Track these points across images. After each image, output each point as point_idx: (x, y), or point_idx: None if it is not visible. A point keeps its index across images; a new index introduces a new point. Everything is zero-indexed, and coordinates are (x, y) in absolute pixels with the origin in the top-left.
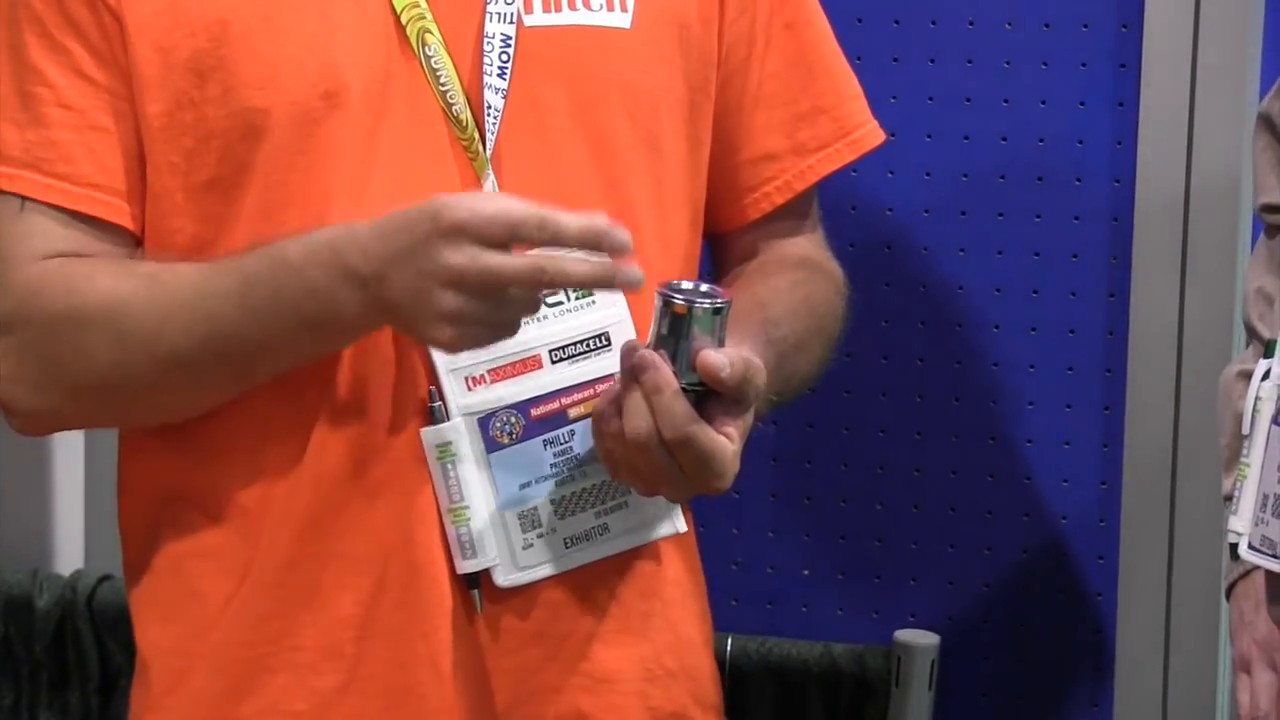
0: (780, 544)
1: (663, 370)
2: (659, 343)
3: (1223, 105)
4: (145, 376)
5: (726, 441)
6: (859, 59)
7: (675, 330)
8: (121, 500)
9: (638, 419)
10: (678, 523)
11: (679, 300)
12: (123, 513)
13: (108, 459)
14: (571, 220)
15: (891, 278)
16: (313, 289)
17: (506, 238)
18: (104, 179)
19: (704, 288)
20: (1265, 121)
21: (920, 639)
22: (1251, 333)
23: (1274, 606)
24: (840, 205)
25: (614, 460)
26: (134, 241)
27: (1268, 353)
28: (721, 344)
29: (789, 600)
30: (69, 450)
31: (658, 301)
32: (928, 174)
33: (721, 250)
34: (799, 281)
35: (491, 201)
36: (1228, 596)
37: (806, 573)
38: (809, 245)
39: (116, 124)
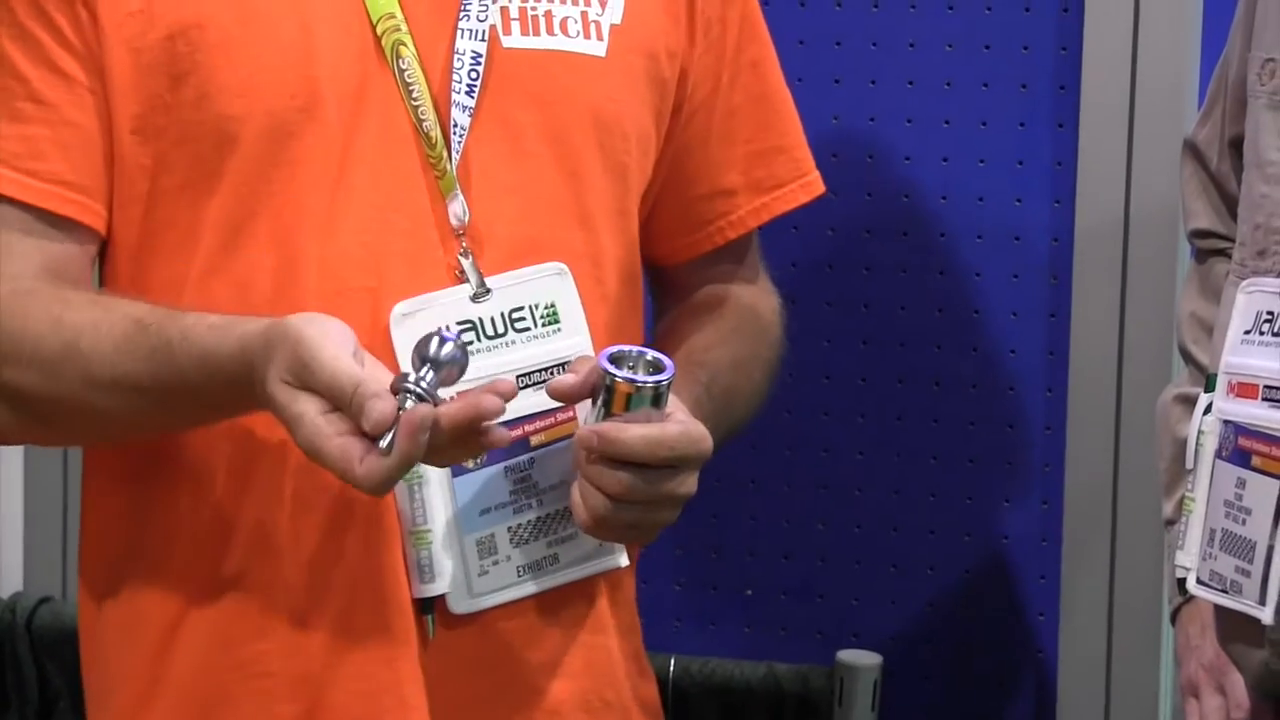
0: (723, 564)
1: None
2: (601, 417)
3: (1162, 126)
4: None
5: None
6: (800, 80)
7: (619, 405)
8: (84, 521)
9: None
10: (620, 557)
11: (621, 379)
12: (84, 533)
13: (48, 482)
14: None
15: (833, 297)
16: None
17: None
18: (74, 176)
19: (649, 356)
20: (1191, 148)
21: (863, 659)
22: (1187, 357)
23: (1228, 641)
24: (782, 224)
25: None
26: (98, 241)
27: (1208, 387)
28: (663, 416)
29: (732, 620)
30: (8, 473)
31: (603, 379)
32: (869, 194)
33: (663, 282)
34: (733, 331)
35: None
36: (1173, 621)
37: (749, 593)
38: (748, 283)
39: (89, 120)
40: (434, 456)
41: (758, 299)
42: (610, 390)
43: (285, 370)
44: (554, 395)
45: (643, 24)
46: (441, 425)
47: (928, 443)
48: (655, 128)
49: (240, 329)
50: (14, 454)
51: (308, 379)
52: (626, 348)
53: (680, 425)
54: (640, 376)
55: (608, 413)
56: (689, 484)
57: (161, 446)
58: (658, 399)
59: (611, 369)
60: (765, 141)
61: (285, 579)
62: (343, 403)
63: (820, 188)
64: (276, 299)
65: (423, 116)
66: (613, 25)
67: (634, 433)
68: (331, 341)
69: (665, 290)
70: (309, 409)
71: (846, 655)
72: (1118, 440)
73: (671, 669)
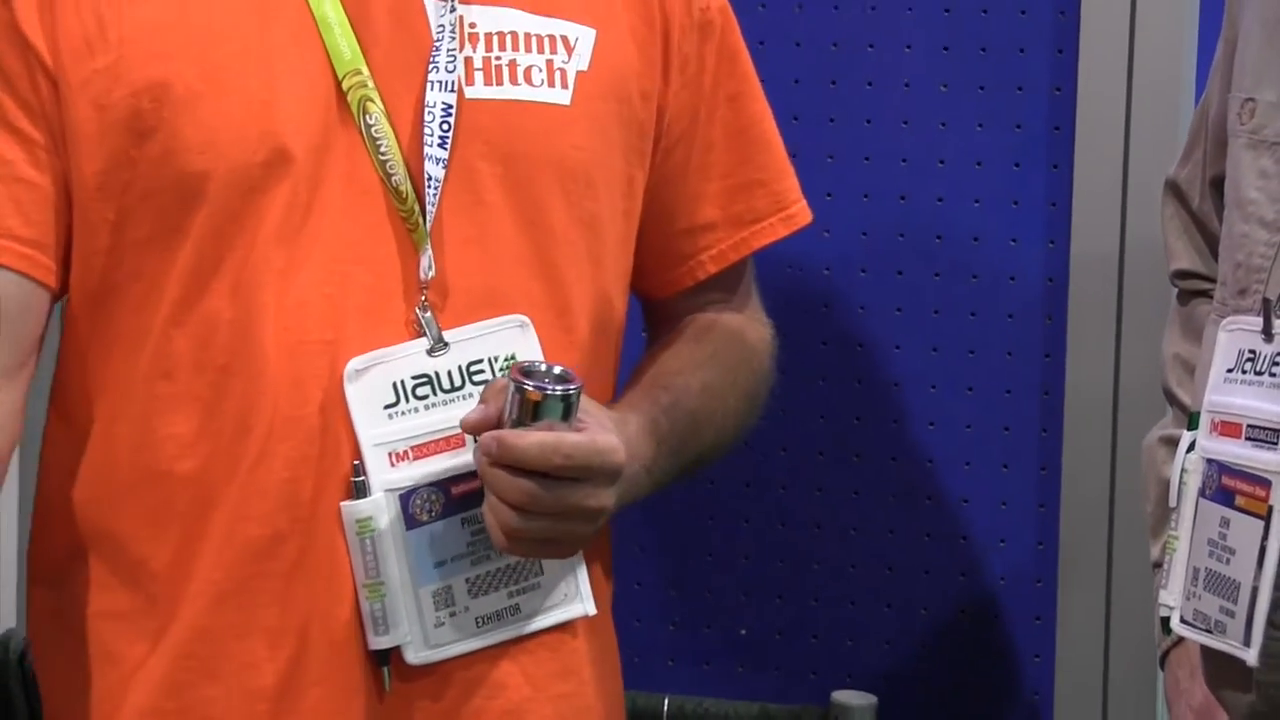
0: (717, 603)
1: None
2: (509, 427)
3: (1156, 166)
4: None
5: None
6: (796, 119)
7: (527, 415)
8: (32, 549)
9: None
10: (588, 605)
11: (530, 388)
12: (33, 562)
13: None
14: None
15: (828, 336)
16: None
17: None
18: (27, 231)
19: (557, 370)
20: (1173, 188)
21: (857, 699)
22: (1171, 399)
23: (1217, 686)
24: (778, 263)
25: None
26: (50, 297)
27: (1191, 425)
28: (571, 428)
29: (726, 660)
30: (2, 508)
31: (510, 387)
32: (864, 234)
33: (654, 314)
34: (710, 357)
35: None
36: (1161, 665)
37: (743, 632)
38: (737, 312)
39: (43, 178)
40: None
41: (744, 327)
42: (516, 400)
43: None
44: (466, 429)
45: (613, 68)
46: None
47: (922, 482)
48: (639, 169)
49: None
50: (9, 490)
51: None
52: (538, 362)
53: (584, 435)
54: (547, 385)
55: (515, 423)
56: (598, 497)
57: (112, 494)
58: (566, 411)
59: (519, 379)
60: (744, 175)
61: (236, 628)
62: None
63: (804, 219)
64: (235, 351)
65: (391, 171)
66: (579, 72)
67: (530, 439)
68: None
69: (656, 322)
70: None
71: (841, 695)
72: (1113, 480)
73: (665, 709)
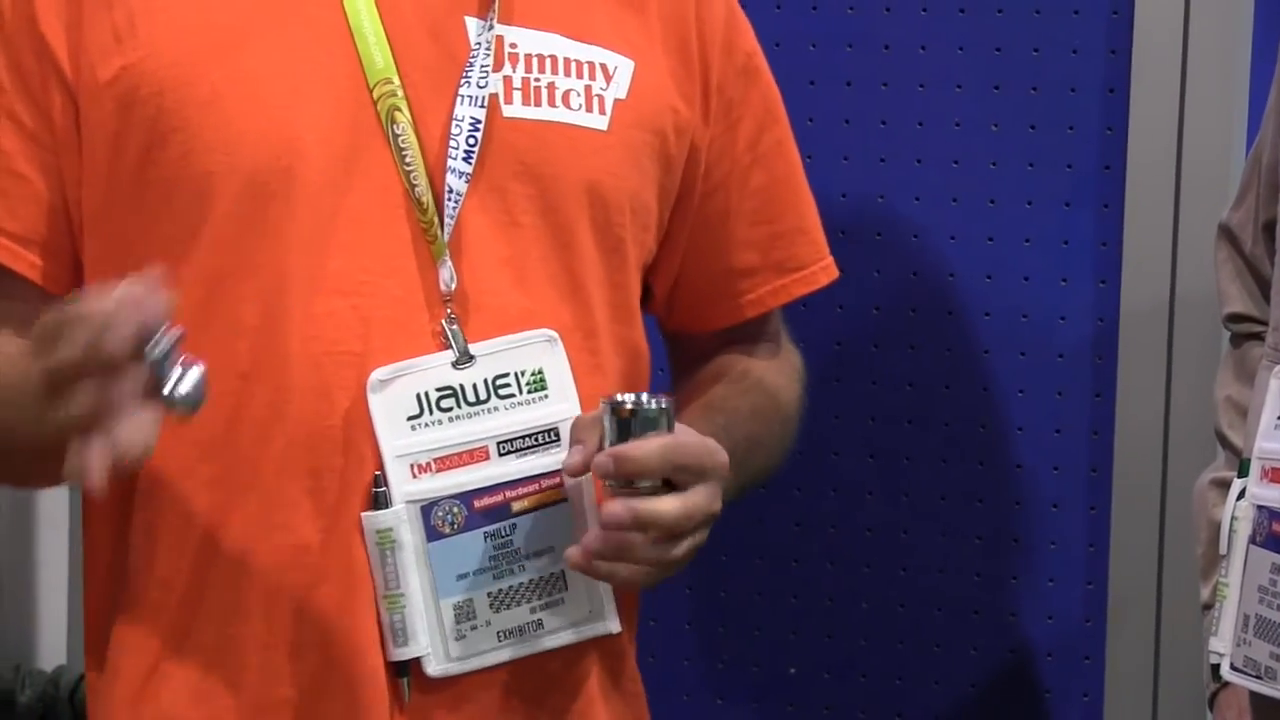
0: (766, 642)
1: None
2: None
3: (1207, 206)
4: None
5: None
6: (846, 159)
7: (623, 434)
8: (85, 580)
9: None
10: (611, 624)
11: (628, 405)
12: (85, 592)
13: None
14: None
15: (878, 375)
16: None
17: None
18: (12, 225)
19: (644, 396)
20: (1226, 232)
21: None
22: (1223, 441)
23: None
24: (827, 303)
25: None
26: (38, 295)
27: (1241, 471)
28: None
29: (775, 698)
30: (54, 547)
31: (604, 410)
32: (914, 274)
33: (682, 347)
34: (754, 385)
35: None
36: (1210, 706)
37: (793, 671)
38: (770, 354)
39: (39, 176)
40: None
41: (783, 359)
42: (613, 423)
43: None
44: (570, 473)
45: (650, 101)
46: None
47: (972, 521)
48: (658, 203)
49: None
50: (60, 527)
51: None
52: (625, 395)
53: (693, 435)
54: (645, 400)
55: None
56: (716, 500)
57: (142, 506)
58: (667, 422)
59: (611, 400)
60: (787, 223)
61: (258, 638)
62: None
63: (835, 273)
64: (259, 359)
65: (415, 182)
66: (617, 100)
67: (649, 445)
68: None
69: (683, 355)
70: None
71: None
72: (1163, 520)
73: None
